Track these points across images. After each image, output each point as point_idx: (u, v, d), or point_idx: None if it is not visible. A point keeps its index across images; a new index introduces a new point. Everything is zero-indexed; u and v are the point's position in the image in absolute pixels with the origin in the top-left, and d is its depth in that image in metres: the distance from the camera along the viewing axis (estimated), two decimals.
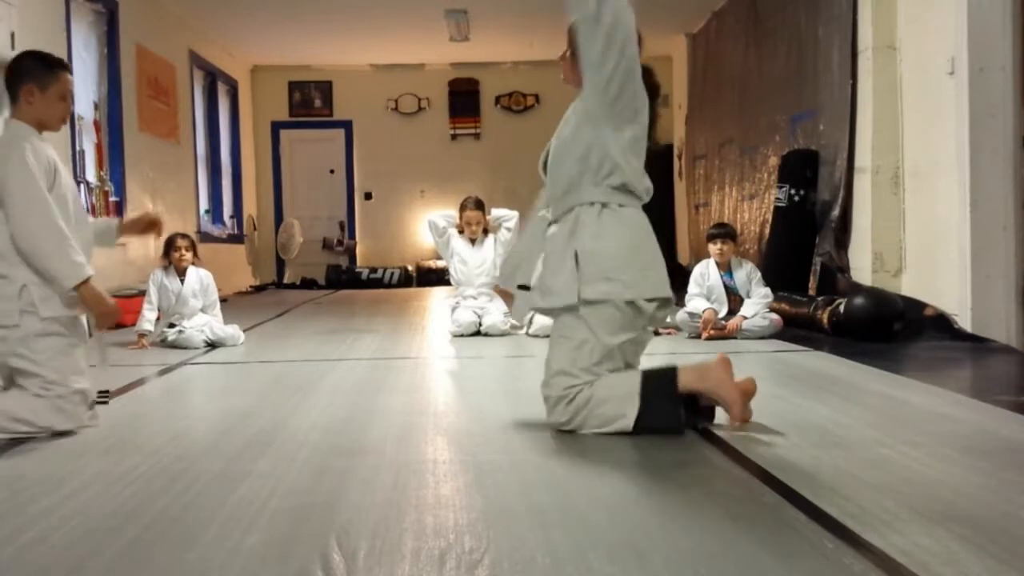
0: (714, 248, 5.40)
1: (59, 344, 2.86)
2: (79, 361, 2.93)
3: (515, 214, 6.00)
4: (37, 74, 2.94)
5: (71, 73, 3.06)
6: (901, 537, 1.77)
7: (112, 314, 2.89)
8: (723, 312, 5.32)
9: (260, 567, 1.69)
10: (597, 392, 2.71)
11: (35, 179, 2.80)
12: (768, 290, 5.36)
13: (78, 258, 2.82)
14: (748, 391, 2.78)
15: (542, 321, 5.64)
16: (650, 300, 2.77)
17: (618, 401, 2.69)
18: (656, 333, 5.38)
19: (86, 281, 2.83)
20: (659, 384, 2.71)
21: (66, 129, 6.71)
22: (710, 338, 5.14)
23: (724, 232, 5.47)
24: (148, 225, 3.43)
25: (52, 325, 2.84)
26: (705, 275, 5.43)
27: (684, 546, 1.75)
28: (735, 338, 5.15)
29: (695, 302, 5.35)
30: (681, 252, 10.58)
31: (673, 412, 2.72)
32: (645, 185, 2.88)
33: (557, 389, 2.76)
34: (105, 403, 3.03)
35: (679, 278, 4.80)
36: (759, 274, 5.44)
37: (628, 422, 2.67)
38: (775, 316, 5.32)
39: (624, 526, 1.88)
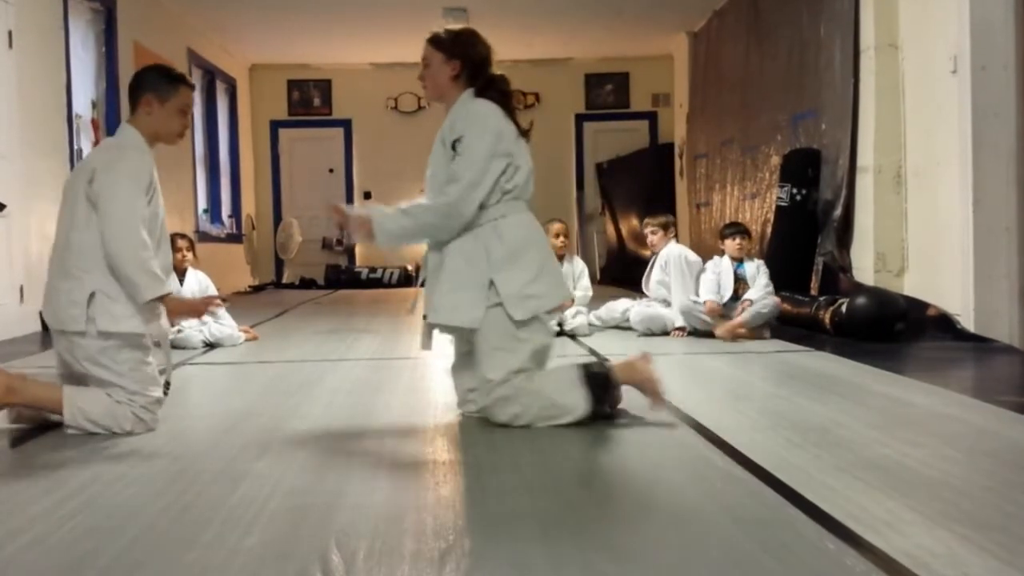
0: (733, 244, 5.47)
1: (139, 356, 2.89)
2: (155, 370, 2.96)
3: None
4: (158, 86, 2.98)
5: (193, 89, 3.12)
6: (903, 538, 1.76)
7: (200, 309, 3.24)
8: (727, 297, 5.35)
9: (260, 567, 1.68)
10: (542, 386, 2.84)
11: (138, 191, 2.86)
12: (770, 283, 5.40)
13: (159, 273, 2.87)
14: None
15: None
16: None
17: (565, 391, 2.84)
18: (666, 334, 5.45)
19: (163, 297, 2.88)
20: (596, 374, 2.90)
21: (64, 128, 6.71)
22: (735, 339, 5.12)
23: (740, 229, 5.59)
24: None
25: (127, 337, 2.85)
26: (718, 264, 5.52)
27: (684, 546, 1.74)
28: (752, 337, 5.15)
29: (704, 288, 5.44)
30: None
31: (614, 397, 2.91)
32: (530, 190, 3.01)
33: (499, 392, 2.83)
34: (166, 394, 3.07)
35: None
36: (767, 270, 5.50)
37: (580, 412, 2.82)
38: (775, 298, 5.38)
39: (624, 526, 1.88)
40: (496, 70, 3.05)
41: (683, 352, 4.82)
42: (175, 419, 3.08)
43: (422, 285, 3.11)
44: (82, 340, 2.81)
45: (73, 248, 2.85)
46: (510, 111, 3.00)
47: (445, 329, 3.00)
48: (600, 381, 2.87)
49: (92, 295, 2.80)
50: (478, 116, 2.94)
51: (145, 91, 2.97)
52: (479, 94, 2.99)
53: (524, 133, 3.01)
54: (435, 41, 3.06)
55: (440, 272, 2.94)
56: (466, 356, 3.02)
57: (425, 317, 3.02)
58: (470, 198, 2.85)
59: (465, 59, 3.00)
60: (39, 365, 4.23)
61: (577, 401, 2.83)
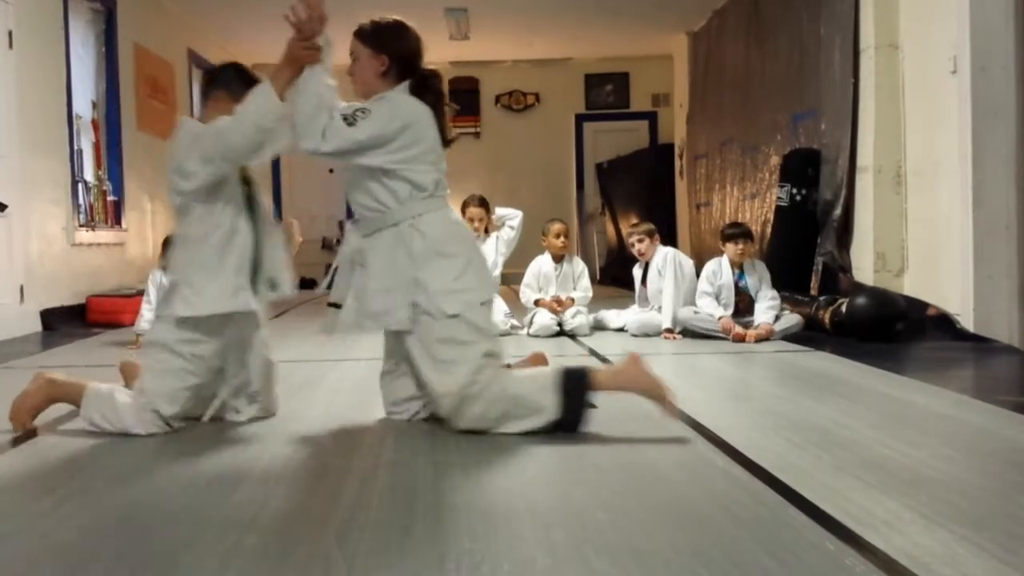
0: (735, 248, 5.36)
1: (173, 363, 2.82)
2: (182, 389, 2.84)
3: (519, 213, 5.98)
4: (232, 86, 2.98)
5: None
6: (903, 538, 1.77)
7: (299, 54, 2.99)
8: (728, 312, 5.32)
9: (260, 567, 1.68)
10: (509, 384, 2.70)
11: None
12: (775, 292, 5.35)
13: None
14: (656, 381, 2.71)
15: (542, 321, 5.64)
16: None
17: (535, 392, 2.68)
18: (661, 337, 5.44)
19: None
20: (573, 382, 2.68)
21: (64, 128, 6.71)
22: (739, 340, 5.09)
23: (742, 232, 5.47)
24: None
25: (191, 321, 2.81)
26: (717, 273, 5.42)
27: (684, 546, 1.74)
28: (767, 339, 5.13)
29: (704, 302, 5.36)
30: (681, 251, 10.57)
31: (584, 409, 2.70)
32: (433, 178, 2.81)
33: (464, 393, 2.68)
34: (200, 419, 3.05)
35: None
36: (769, 275, 5.43)
37: (548, 416, 2.66)
38: (799, 317, 5.33)
39: (624, 526, 1.88)
40: (426, 66, 2.90)
41: (682, 352, 4.82)
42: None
43: (329, 287, 3.01)
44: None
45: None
46: (439, 115, 2.83)
47: (373, 328, 2.87)
48: (576, 391, 2.67)
49: (174, 284, 2.86)
50: (395, 103, 2.76)
51: (219, 87, 2.99)
52: (414, 92, 2.82)
53: (446, 143, 2.86)
54: (360, 34, 2.90)
55: (363, 272, 2.83)
56: (399, 363, 2.92)
57: (336, 305, 2.89)
58: (346, 142, 2.68)
59: (393, 54, 2.84)
60: (40, 365, 4.23)
61: (547, 403, 2.65)
